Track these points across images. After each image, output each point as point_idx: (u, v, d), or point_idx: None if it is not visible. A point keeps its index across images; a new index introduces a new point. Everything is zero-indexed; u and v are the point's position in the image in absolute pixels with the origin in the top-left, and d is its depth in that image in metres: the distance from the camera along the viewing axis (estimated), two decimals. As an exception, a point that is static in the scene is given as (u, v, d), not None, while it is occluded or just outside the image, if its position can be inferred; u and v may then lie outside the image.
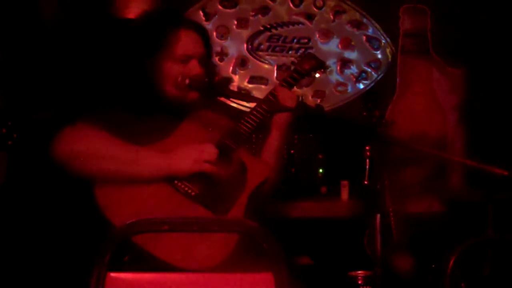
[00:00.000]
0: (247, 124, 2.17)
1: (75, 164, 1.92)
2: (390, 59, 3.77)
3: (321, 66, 2.47)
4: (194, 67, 2.15)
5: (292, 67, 2.39)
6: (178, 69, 2.12)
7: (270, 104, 2.24)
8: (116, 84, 2.19)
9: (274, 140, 2.28)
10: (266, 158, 2.25)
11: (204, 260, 1.84)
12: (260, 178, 2.10)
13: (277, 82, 3.58)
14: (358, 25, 3.76)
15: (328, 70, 3.66)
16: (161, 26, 2.15)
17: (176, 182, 1.98)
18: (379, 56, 3.78)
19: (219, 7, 3.60)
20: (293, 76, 2.34)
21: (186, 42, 2.14)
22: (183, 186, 1.98)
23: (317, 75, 2.49)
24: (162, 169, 1.96)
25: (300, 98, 3.26)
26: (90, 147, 1.94)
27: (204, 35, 2.22)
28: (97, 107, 2.11)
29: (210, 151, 2.01)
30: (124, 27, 3.13)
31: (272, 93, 2.28)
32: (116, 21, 3.27)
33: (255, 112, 2.20)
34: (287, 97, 2.25)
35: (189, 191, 1.98)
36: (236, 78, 3.60)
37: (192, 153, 1.99)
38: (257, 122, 2.18)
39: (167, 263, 1.81)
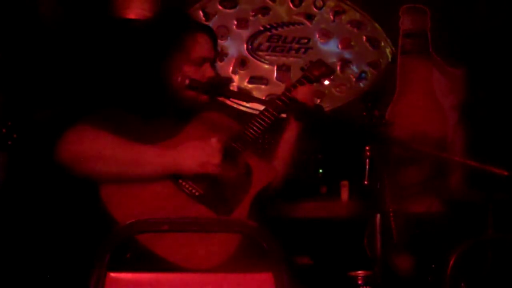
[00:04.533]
0: (254, 128, 2.17)
1: (80, 165, 1.92)
2: (390, 59, 3.77)
3: (331, 73, 2.47)
4: (208, 70, 2.16)
5: (302, 73, 2.39)
6: (193, 72, 2.13)
7: (278, 107, 2.24)
8: (123, 85, 2.18)
9: (285, 146, 2.29)
10: (276, 164, 2.26)
11: (205, 260, 1.84)
12: (265, 181, 2.11)
13: (277, 82, 3.60)
14: (358, 25, 3.76)
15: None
16: (179, 28, 2.15)
17: (180, 181, 1.98)
18: (379, 56, 3.78)
19: (219, 7, 3.60)
20: (302, 81, 2.34)
21: (202, 46, 2.16)
22: (187, 185, 1.98)
23: (326, 82, 2.49)
24: (166, 168, 1.96)
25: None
26: (94, 148, 1.93)
27: (214, 38, 2.25)
28: (101, 108, 2.11)
29: (215, 153, 2.00)
30: (135, 27, 3.13)
31: (285, 94, 2.29)
32: (116, 21, 3.27)
33: (262, 116, 2.20)
34: (307, 94, 2.27)
35: (193, 191, 1.98)
36: (236, 78, 3.60)
37: (197, 154, 1.98)
38: (265, 126, 2.19)
39: (168, 261, 1.81)
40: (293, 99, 2.27)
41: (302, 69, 2.44)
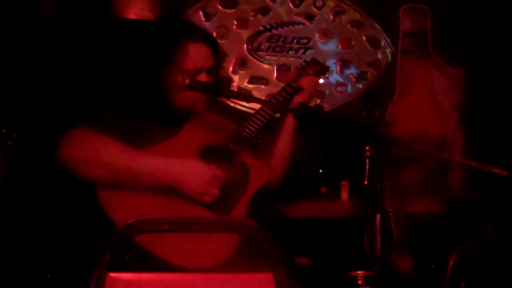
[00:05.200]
0: (250, 127, 2.17)
1: (79, 169, 1.92)
2: (390, 59, 3.77)
3: (325, 71, 2.47)
4: (202, 78, 2.13)
5: (296, 72, 2.39)
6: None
7: (274, 106, 2.25)
8: (122, 86, 2.19)
9: (283, 145, 2.29)
10: (273, 163, 2.26)
11: (205, 260, 1.84)
12: (262, 181, 2.10)
13: (277, 82, 3.60)
14: (358, 25, 3.76)
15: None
16: (169, 40, 2.12)
17: None
18: (379, 56, 3.78)
19: (219, 7, 3.60)
20: (296, 80, 2.34)
21: (195, 56, 2.12)
22: None
23: (321, 80, 2.48)
24: (164, 184, 1.94)
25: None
26: (93, 153, 1.93)
27: (213, 44, 2.20)
28: (99, 109, 2.11)
29: (215, 183, 1.98)
30: (132, 32, 3.12)
31: (280, 94, 2.29)
32: (116, 21, 3.27)
33: (258, 115, 2.20)
34: (312, 84, 2.29)
35: None
36: (236, 78, 3.60)
37: (197, 180, 1.96)
38: (261, 125, 2.18)
39: (168, 262, 1.81)
40: (289, 99, 2.28)
41: (296, 68, 2.44)
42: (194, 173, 1.97)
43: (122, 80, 2.19)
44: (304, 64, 2.44)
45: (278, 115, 2.34)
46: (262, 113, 2.21)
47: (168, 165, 1.96)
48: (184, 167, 1.97)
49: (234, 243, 1.88)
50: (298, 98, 2.27)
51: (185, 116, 2.17)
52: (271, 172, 2.18)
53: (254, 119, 2.19)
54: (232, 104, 3.39)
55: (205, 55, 2.16)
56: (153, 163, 1.96)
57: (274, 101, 2.28)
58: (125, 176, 1.92)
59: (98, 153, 1.94)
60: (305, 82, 2.31)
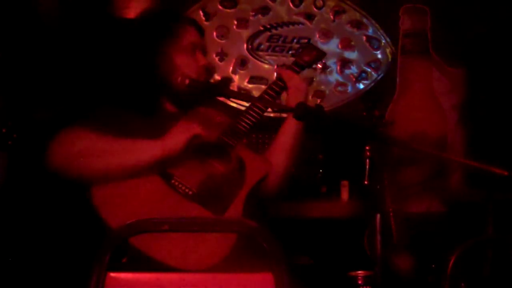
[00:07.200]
0: (246, 121, 2.17)
1: (73, 164, 1.92)
2: (390, 59, 3.77)
3: (322, 57, 2.44)
4: (201, 58, 2.19)
5: (292, 60, 2.38)
6: (187, 60, 2.15)
7: (268, 102, 2.24)
8: (120, 82, 2.19)
9: (282, 143, 2.28)
10: (273, 158, 2.25)
11: (201, 260, 1.84)
12: (259, 175, 2.09)
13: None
14: (358, 25, 3.76)
15: (328, 70, 3.67)
16: (165, 21, 2.20)
17: (173, 181, 1.98)
18: (379, 56, 3.78)
19: (219, 7, 3.60)
20: (293, 68, 2.33)
21: (190, 33, 2.20)
22: (180, 185, 1.97)
23: (319, 66, 2.47)
24: (157, 151, 1.95)
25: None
26: (86, 146, 1.93)
27: (202, 34, 2.27)
28: (96, 107, 2.11)
29: (193, 122, 2.02)
30: (128, 25, 3.13)
31: (276, 82, 2.28)
32: (116, 21, 3.27)
33: (255, 108, 2.20)
34: (297, 81, 2.27)
35: (187, 190, 1.97)
36: (236, 78, 3.60)
37: (178, 127, 1.99)
38: (256, 119, 2.18)
39: (165, 264, 1.81)
40: (283, 88, 2.27)
41: (292, 55, 2.43)
42: (172, 129, 1.99)
43: (122, 76, 2.20)
44: (300, 50, 2.42)
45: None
46: (257, 104, 2.20)
47: (154, 141, 1.97)
48: (164, 135, 1.99)
49: (231, 242, 1.87)
50: (294, 99, 2.26)
51: (184, 108, 2.17)
52: (268, 166, 2.17)
53: (250, 111, 2.18)
54: (232, 104, 3.39)
55: (198, 35, 2.24)
56: (142, 141, 1.97)
57: (266, 96, 2.28)
58: (119, 158, 1.92)
59: (93, 142, 1.94)
60: (289, 81, 2.28)
